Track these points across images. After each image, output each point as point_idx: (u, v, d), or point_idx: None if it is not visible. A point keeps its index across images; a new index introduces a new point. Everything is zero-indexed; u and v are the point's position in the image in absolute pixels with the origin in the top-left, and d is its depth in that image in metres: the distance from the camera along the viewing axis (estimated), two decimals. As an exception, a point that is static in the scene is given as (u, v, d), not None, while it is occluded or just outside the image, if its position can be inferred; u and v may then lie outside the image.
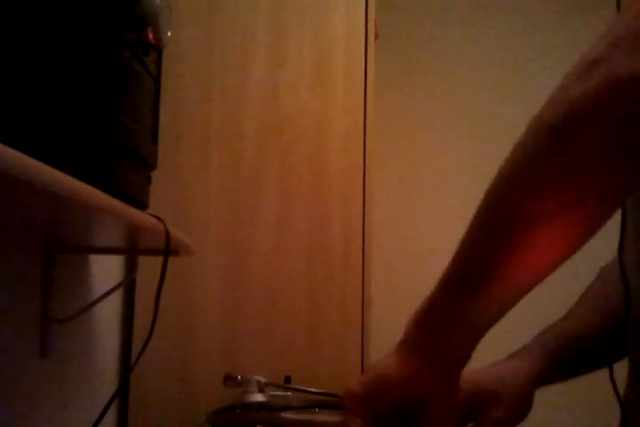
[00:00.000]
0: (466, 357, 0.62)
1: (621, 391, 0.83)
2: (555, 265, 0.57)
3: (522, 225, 0.55)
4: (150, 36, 0.83)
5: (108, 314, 1.45)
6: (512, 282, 0.57)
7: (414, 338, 0.63)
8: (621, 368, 0.86)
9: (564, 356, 0.88)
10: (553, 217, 0.54)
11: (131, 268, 1.53)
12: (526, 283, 0.58)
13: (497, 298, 0.59)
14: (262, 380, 1.27)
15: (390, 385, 0.64)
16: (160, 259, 0.94)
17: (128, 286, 1.54)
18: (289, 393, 1.26)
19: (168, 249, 0.93)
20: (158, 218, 0.91)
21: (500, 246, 0.56)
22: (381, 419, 0.66)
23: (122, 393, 1.51)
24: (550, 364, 0.87)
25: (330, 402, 1.19)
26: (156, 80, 0.97)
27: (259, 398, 1.24)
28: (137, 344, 1.52)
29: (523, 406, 0.83)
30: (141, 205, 0.93)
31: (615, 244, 0.82)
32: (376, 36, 1.69)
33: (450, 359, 0.62)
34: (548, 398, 0.92)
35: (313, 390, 1.21)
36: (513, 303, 0.59)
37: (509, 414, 0.82)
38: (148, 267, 1.48)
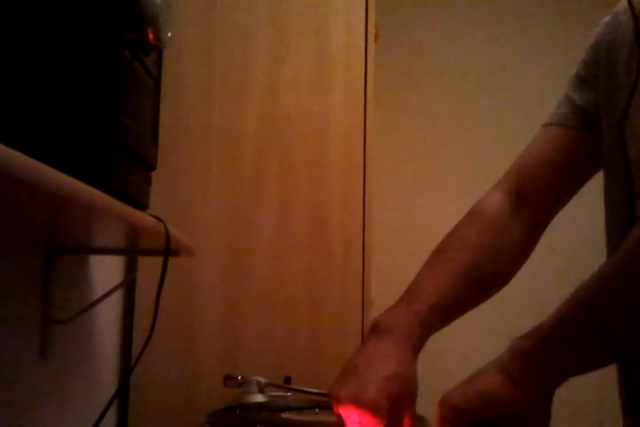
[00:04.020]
0: (559, 386, 0.74)
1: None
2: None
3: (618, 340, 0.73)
4: (150, 36, 0.83)
5: (108, 314, 1.45)
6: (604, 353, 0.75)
7: (523, 365, 0.72)
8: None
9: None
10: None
11: (131, 268, 1.53)
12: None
13: (595, 355, 0.74)
14: (262, 380, 1.27)
15: (498, 403, 0.71)
16: (160, 259, 0.94)
17: (128, 286, 1.54)
18: (289, 394, 1.26)
19: (168, 249, 0.93)
20: (158, 218, 0.91)
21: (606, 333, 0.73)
22: None
23: (122, 393, 1.51)
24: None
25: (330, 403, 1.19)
26: (157, 80, 0.97)
27: (259, 398, 1.24)
28: (137, 344, 1.52)
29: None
30: (141, 205, 0.93)
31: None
32: (376, 37, 1.69)
33: (551, 388, 0.73)
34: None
35: (313, 390, 1.21)
36: (601, 364, 0.75)
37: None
38: (148, 267, 1.48)
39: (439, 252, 0.93)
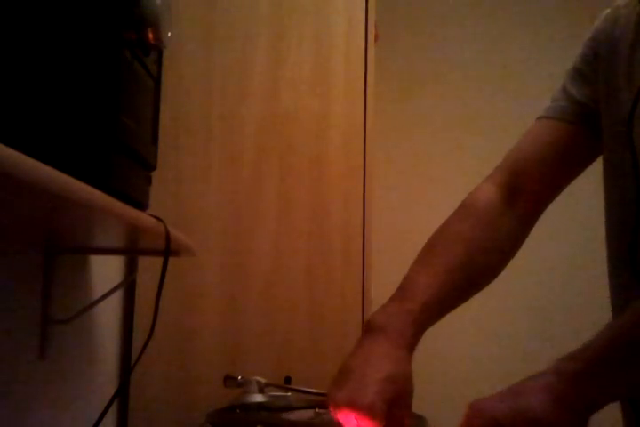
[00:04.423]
0: (598, 410, 0.74)
1: None
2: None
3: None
4: (151, 36, 0.83)
5: (108, 314, 1.45)
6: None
7: (570, 388, 0.72)
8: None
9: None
10: None
11: (131, 268, 1.53)
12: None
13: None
14: (262, 380, 1.27)
15: (537, 423, 0.70)
16: (160, 259, 0.94)
17: (128, 286, 1.54)
18: (289, 394, 1.26)
19: (168, 250, 0.92)
20: (158, 218, 0.90)
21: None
22: None
23: (122, 393, 1.51)
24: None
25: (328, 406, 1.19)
26: (157, 80, 0.97)
27: (259, 398, 1.24)
28: (137, 344, 1.52)
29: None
30: (141, 205, 0.93)
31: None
32: (376, 38, 1.69)
33: (591, 411, 0.73)
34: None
35: (313, 390, 1.21)
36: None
37: None
38: (148, 267, 1.48)
39: (431, 246, 0.93)
